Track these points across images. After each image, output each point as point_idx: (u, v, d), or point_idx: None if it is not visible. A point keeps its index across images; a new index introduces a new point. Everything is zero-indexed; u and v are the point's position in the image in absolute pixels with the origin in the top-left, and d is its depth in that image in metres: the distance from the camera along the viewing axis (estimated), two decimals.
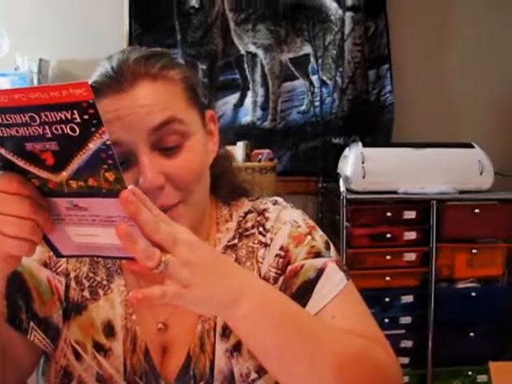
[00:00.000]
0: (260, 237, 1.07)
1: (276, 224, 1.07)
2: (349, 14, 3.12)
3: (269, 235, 1.06)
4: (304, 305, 0.98)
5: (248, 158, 2.79)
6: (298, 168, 3.10)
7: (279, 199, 1.14)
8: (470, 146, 2.86)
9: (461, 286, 2.83)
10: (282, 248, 1.04)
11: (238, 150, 2.76)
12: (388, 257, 2.75)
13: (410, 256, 2.77)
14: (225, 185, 1.12)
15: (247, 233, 1.08)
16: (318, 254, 1.03)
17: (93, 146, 0.68)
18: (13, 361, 1.02)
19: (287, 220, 1.07)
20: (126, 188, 0.71)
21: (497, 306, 2.80)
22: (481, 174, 2.81)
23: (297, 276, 1.01)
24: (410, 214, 2.77)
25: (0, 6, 2.97)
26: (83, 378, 1.02)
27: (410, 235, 2.77)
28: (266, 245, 1.06)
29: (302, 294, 0.99)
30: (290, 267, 1.02)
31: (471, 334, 2.79)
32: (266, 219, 1.08)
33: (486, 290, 2.83)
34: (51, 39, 3.01)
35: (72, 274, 1.06)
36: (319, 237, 1.07)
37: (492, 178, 2.83)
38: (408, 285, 2.81)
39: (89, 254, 0.82)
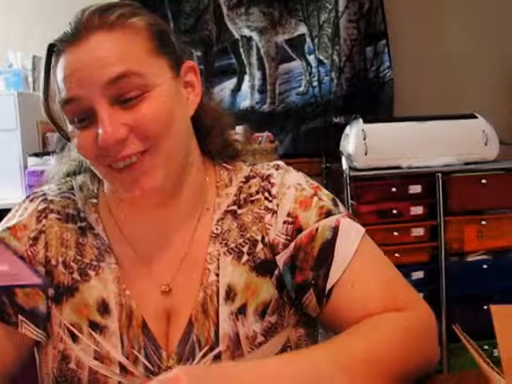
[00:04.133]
0: (266, 202, 1.05)
1: (281, 189, 1.05)
2: None
3: (275, 201, 1.05)
4: (328, 268, 0.99)
5: (248, 141, 2.76)
6: (300, 150, 3.07)
7: (280, 163, 1.12)
8: (473, 116, 2.81)
9: (472, 258, 2.79)
10: (289, 214, 1.03)
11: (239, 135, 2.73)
12: (395, 233, 2.71)
13: (418, 231, 2.74)
14: (215, 138, 1.09)
15: (252, 198, 1.07)
16: (328, 213, 1.03)
17: None
18: None
19: (291, 184, 1.06)
20: None
21: (510, 277, 2.75)
22: (485, 144, 2.76)
23: (314, 240, 1.01)
24: (416, 189, 2.73)
25: None
26: (80, 358, 1.01)
27: (417, 210, 2.73)
28: (274, 211, 1.04)
29: (325, 256, 1.00)
30: (304, 233, 1.02)
31: (485, 308, 2.74)
32: (272, 185, 1.06)
33: (497, 262, 2.79)
34: (42, 36, 2.97)
35: (59, 259, 1.04)
36: (325, 196, 1.06)
37: (497, 148, 2.78)
38: (418, 260, 2.76)
39: None
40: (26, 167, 2.67)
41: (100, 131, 0.92)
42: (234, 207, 1.06)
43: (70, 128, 0.97)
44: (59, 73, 0.94)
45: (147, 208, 1.03)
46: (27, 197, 1.11)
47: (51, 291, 1.03)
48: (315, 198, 1.04)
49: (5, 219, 1.08)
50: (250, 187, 1.08)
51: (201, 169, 1.07)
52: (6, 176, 2.66)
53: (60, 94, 0.94)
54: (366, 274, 1.00)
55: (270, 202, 1.05)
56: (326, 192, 1.08)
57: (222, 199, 1.07)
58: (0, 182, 2.67)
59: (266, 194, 1.06)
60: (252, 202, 1.06)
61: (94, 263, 1.04)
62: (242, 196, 1.07)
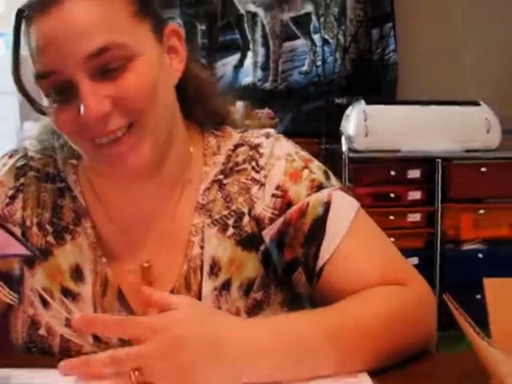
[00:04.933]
0: (253, 173, 1.00)
1: (269, 160, 1.00)
2: None
3: (263, 172, 0.99)
4: (319, 246, 0.95)
5: (247, 117, 2.73)
6: (300, 129, 3.03)
7: (271, 131, 1.06)
8: (477, 103, 2.77)
9: (467, 247, 2.77)
10: (278, 187, 0.98)
11: (238, 110, 2.71)
12: (392, 217, 2.68)
13: (415, 216, 2.71)
14: (200, 106, 1.04)
15: (238, 168, 1.01)
16: (320, 187, 0.98)
17: None
18: None
19: (281, 155, 1.00)
20: None
21: (505, 267, 2.73)
22: (488, 132, 2.73)
23: (305, 215, 0.96)
24: (415, 173, 2.70)
25: None
26: (51, 325, 0.99)
27: (415, 195, 2.71)
28: (261, 184, 0.99)
29: (316, 234, 0.96)
30: (294, 208, 0.97)
31: (477, 297, 2.72)
32: (260, 155, 1.00)
33: (492, 252, 2.76)
34: None
35: (34, 220, 1.01)
36: (316, 168, 1.01)
37: (499, 137, 2.74)
38: (413, 246, 2.72)
39: None
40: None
41: (82, 106, 0.85)
42: (221, 177, 1.01)
43: (45, 101, 0.91)
44: (32, 42, 0.87)
45: (127, 180, 0.98)
46: (6, 153, 1.06)
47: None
48: (306, 171, 0.99)
49: None
50: (237, 156, 1.02)
51: (185, 139, 1.02)
52: (2, 140, 2.64)
53: (34, 67, 0.88)
54: (361, 247, 0.96)
55: (258, 172, 1.00)
56: (318, 164, 1.02)
57: (209, 168, 1.02)
58: None
59: (254, 164, 1.00)
60: (238, 171, 1.01)
61: (71, 227, 1.00)
62: (229, 165, 1.02)
